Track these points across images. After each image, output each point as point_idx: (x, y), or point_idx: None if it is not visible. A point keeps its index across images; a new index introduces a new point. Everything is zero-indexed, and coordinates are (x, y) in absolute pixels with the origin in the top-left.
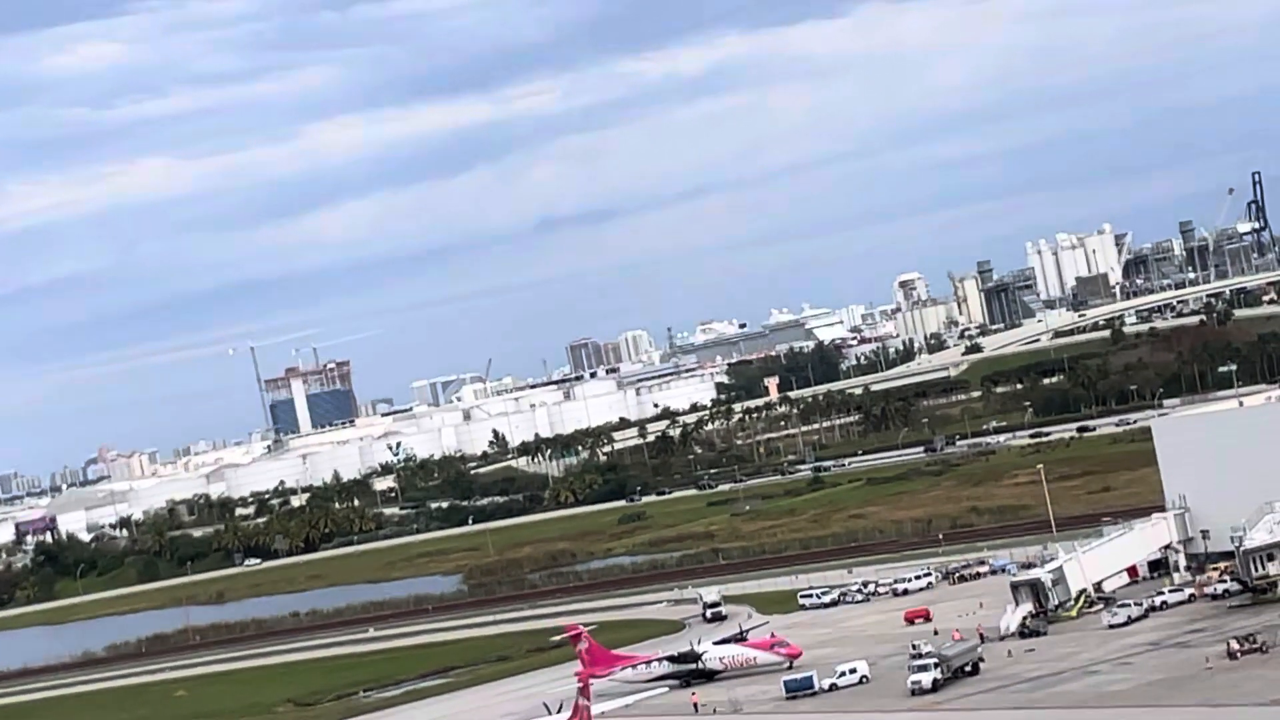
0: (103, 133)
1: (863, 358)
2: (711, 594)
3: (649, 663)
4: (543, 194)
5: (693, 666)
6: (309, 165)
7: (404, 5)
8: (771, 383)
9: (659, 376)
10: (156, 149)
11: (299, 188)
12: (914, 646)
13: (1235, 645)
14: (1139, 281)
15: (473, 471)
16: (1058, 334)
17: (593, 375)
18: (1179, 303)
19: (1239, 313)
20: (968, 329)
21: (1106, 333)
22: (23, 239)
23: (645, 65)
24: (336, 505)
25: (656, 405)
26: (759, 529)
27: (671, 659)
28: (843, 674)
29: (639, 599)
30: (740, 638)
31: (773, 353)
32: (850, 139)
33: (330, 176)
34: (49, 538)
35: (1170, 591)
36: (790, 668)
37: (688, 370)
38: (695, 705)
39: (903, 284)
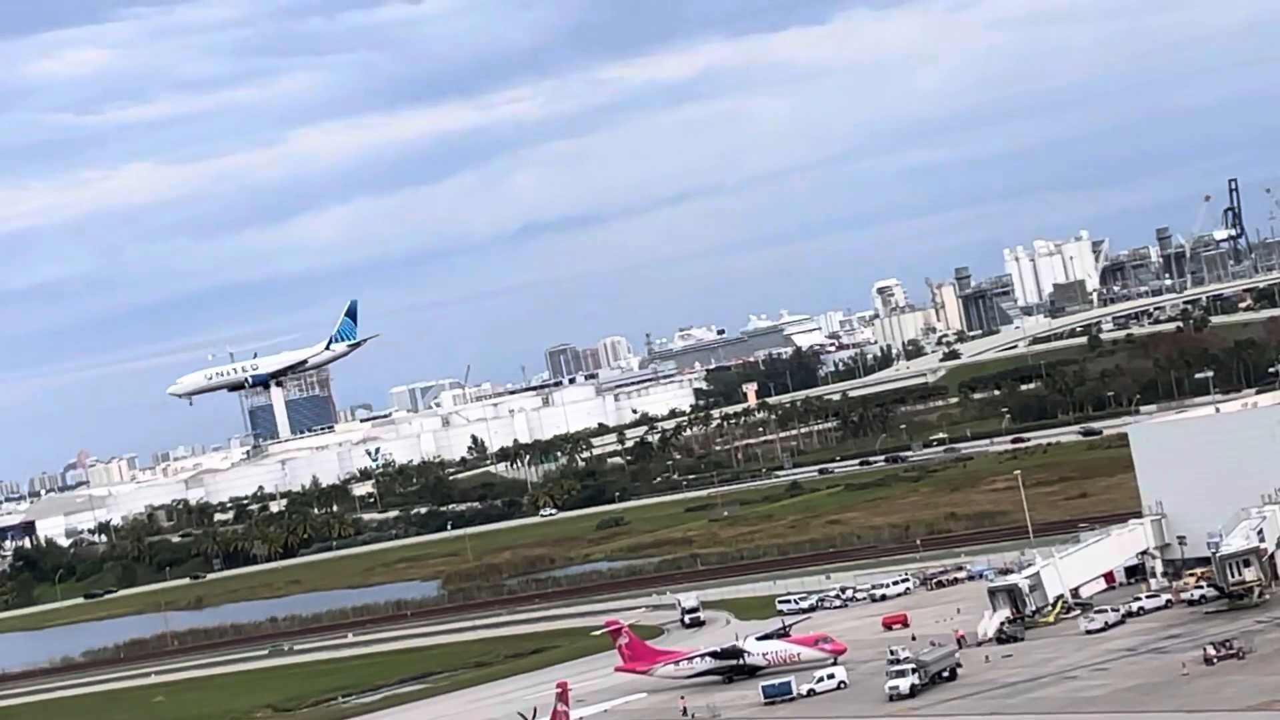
0: (87, 138)
1: (841, 364)
2: (690, 599)
3: (690, 658)
4: (525, 200)
5: (735, 662)
6: (293, 171)
7: (391, 12)
8: (750, 389)
9: (638, 382)
10: (141, 154)
11: (283, 193)
12: (892, 652)
13: (1212, 651)
14: (1116, 288)
15: (451, 477)
16: (1035, 340)
17: (571, 381)
18: (1156, 309)
19: (1216, 319)
20: (945, 335)
21: (1084, 339)
22: (6, 244)
23: (629, 71)
24: (315, 511)
25: (635, 411)
26: (737, 534)
27: (714, 655)
28: (820, 679)
29: (618, 604)
30: (783, 633)
31: (751, 359)
32: (830, 145)
33: (314, 182)
34: (28, 543)
35: (1147, 597)
36: (835, 664)
37: (666, 376)
38: (684, 709)
39: (881, 290)
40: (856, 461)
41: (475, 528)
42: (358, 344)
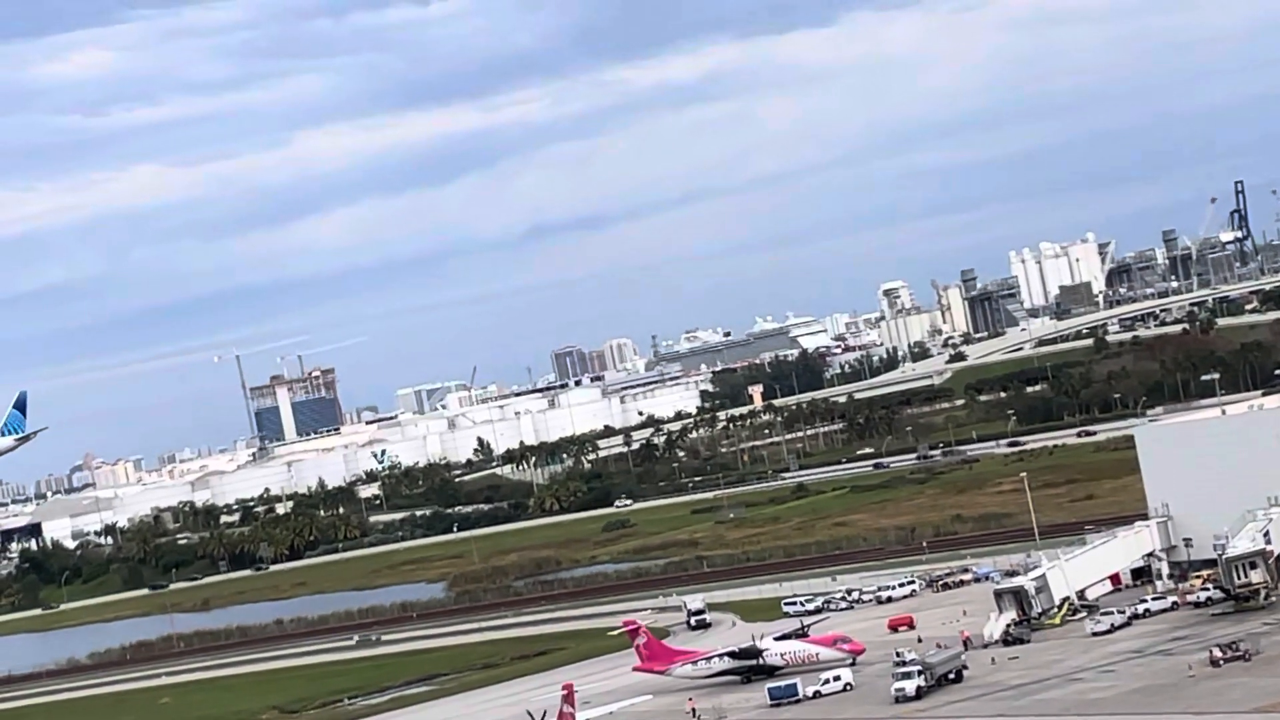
0: (95, 140)
1: (847, 366)
2: (696, 601)
3: (709, 658)
4: (532, 201)
5: (753, 662)
6: (300, 172)
7: (399, 14)
8: (756, 391)
9: (644, 384)
10: (148, 156)
11: (289, 195)
12: (898, 654)
13: (1218, 653)
14: (1122, 290)
15: (457, 479)
16: (1041, 342)
17: (577, 383)
18: (1162, 311)
19: (1222, 321)
20: (951, 337)
21: (1090, 341)
22: (13, 246)
23: (636, 73)
24: (321, 513)
25: (641, 413)
26: (743, 536)
27: (732, 654)
28: (826, 681)
29: (624, 606)
30: (801, 633)
31: (757, 361)
32: (836, 147)
33: (321, 184)
34: (34, 545)
35: (1153, 599)
36: (853, 664)
37: (672, 378)
38: (693, 710)
39: (887, 292)
40: (914, 456)
41: (481, 529)
42: (25, 438)
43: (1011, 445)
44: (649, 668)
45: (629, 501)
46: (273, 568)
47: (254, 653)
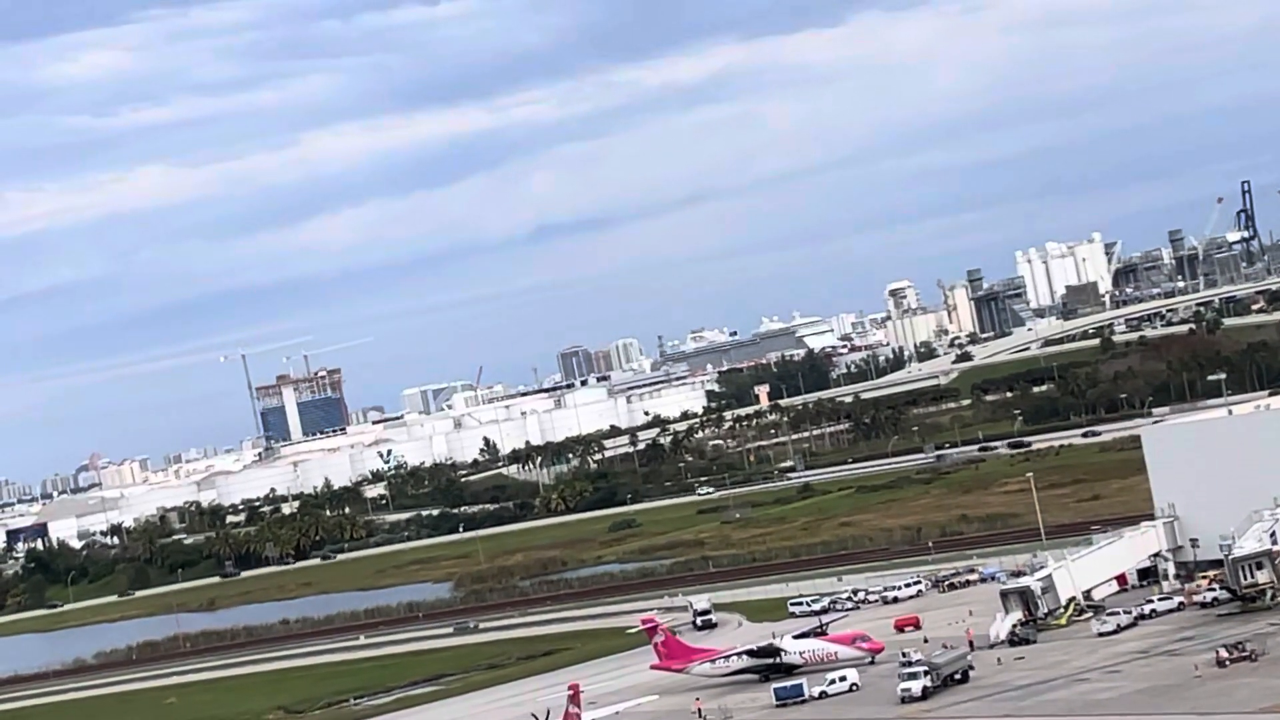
0: (102, 141)
1: (853, 366)
2: (701, 601)
3: (727, 656)
4: (539, 202)
5: (772, 661)
6: (307, 173)
7: (407, 14)
8: (762, 391)
9: (650, 384)
10: (155, 157)
11: (297, 196)
12: (904, 654)
13: (1224, 653)
14: (1128, 290)
15: (463, 479)
16: (1047, 342)
17: (583, 383)
18: (1168, 311)
19: (1228, 321)
20: (958, 337)
21: (1096, 341)
22: (20, 246)
23: (643, 73)
24: (327, 513)
25: (647, 413)
26: (749, 536)
27: (750, 653)
28: (832, 681)
29: (629, 606)
30: (820, 632)
31: (763, 361)
32: (843, 148)
33: (328, 184)
34: (40, 545)
35: (1159, 600)
36: (872, 663)
37: (678, 378)
38: (699, 711)
39: (893, 292)
40: (976, 447)
41: (487, 530)
42: None
43: (1087, 435)
44: (667, 666)
45: (710, 490)
46: (278, 568)
47: (260, 653)
